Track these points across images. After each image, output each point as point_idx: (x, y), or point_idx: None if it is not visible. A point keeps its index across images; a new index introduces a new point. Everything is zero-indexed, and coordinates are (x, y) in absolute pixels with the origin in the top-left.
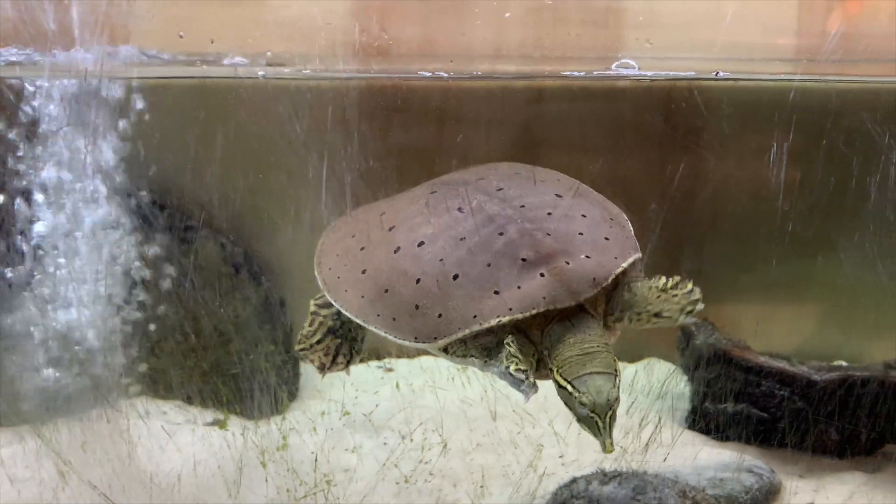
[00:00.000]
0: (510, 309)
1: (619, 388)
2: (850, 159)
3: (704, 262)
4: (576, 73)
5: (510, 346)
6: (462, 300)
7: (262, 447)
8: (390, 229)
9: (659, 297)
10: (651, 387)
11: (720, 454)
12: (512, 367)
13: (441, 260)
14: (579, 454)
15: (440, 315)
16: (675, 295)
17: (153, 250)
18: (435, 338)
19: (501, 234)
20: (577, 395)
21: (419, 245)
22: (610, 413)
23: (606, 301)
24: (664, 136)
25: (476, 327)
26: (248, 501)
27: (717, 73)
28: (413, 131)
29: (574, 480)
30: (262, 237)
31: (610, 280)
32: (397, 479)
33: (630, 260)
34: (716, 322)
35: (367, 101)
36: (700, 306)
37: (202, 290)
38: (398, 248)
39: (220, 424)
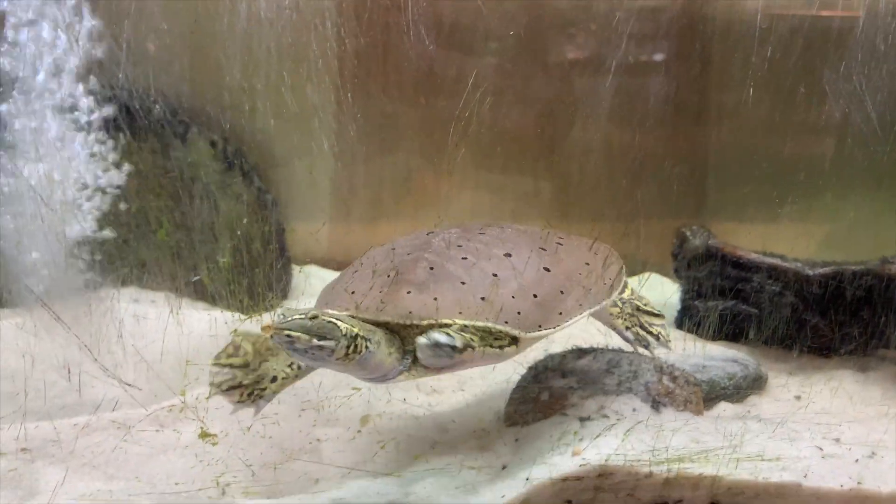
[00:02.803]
0: (347, 302)
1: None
2: None
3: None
4: None
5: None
6: (351, 287)
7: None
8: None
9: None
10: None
11: (709, 349)
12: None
13: (375, 258)
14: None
15: (333, 288)
16: None
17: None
18: (323, 306)
19: (409, 254)
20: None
21: (393, 247)
22: (298, 316)
23: None
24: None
25: (328, 309)
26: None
27: None
28: None
29: (549, 355)
30: (256, 136)
31: (421, 322)
32: None
33: (458, 322)
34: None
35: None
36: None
37: (193, 185)
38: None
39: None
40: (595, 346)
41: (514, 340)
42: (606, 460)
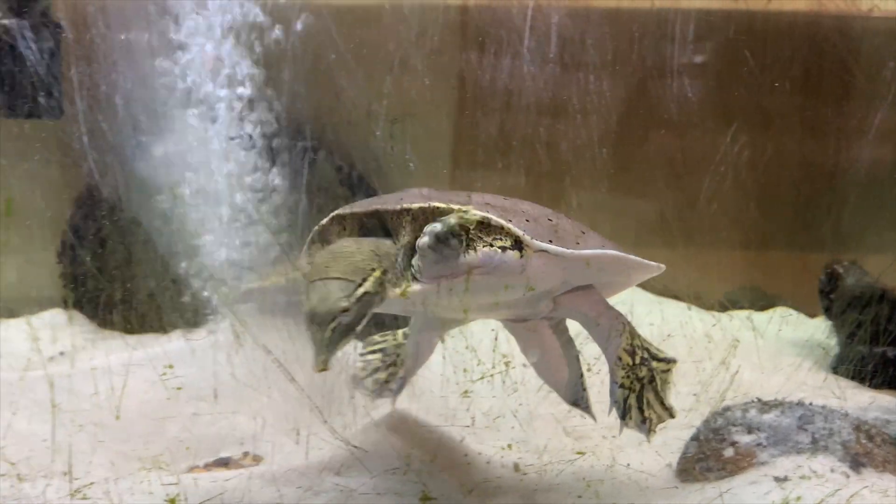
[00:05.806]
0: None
1: (359, 294)
2: None
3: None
4: None
5: None
6: None
7: None
8: None
9: None
10: (787, 334)
11: (878, 399)
12: None
13: None
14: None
15: None
16: None
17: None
18: None
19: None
20: (304, 302)
21: None
22: (333, 325)
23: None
24: None
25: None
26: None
27: None
28: None
29: (728, 409)
30: (379, 162)
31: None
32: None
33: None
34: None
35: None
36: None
37: (317, 212)
38: None
39: None
40: (778, 398)
41: (518, 245)
42: None
